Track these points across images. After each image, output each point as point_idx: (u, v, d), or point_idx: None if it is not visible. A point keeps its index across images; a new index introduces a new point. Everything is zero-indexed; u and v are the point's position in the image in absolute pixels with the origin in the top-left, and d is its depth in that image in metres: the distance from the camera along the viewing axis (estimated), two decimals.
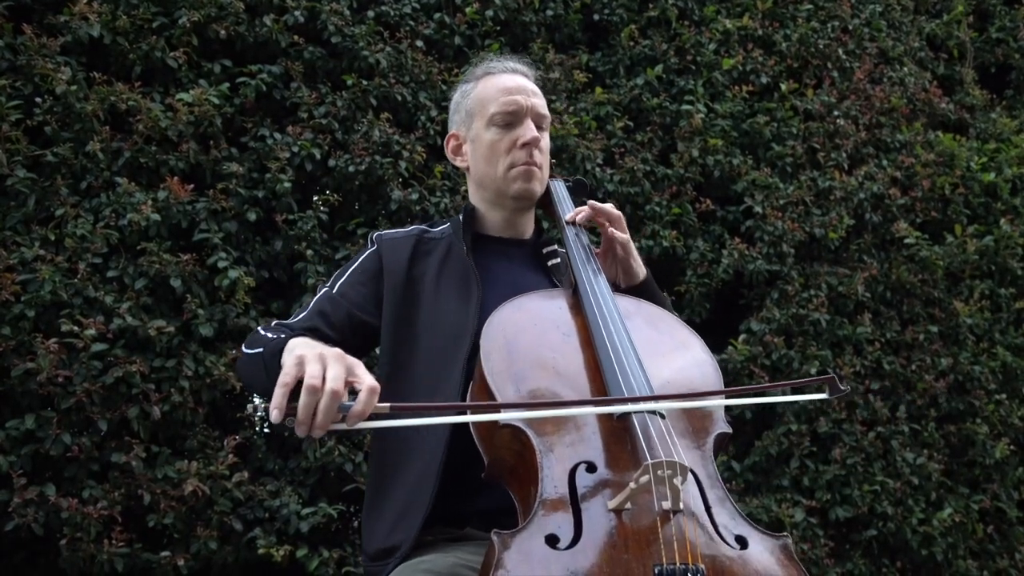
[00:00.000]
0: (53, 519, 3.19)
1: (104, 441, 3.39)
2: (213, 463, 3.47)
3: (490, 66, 2.08)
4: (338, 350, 1.48)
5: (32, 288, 3.34)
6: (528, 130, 1.96)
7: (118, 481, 3.34)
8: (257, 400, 1.45)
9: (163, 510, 3.33)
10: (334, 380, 1.39)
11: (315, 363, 1.41)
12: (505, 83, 2.01)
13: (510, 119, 1.98)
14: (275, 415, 1.37)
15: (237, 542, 3.50)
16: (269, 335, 1.79)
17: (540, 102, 2.02)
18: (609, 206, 1.96)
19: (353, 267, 1.99)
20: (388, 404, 1.41)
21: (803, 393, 1.70)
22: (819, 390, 1.62)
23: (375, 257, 1.98)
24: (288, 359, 1.44)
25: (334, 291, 1.95)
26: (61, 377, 3.27)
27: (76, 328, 3.34)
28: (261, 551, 3.46)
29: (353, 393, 1.41)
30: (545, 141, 2.02)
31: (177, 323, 3.58)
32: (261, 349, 1.73)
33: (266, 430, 3.93)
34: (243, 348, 1.84)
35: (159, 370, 3.49)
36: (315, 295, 1.97)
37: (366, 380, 1.42)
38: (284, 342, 1.61)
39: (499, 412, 1.47)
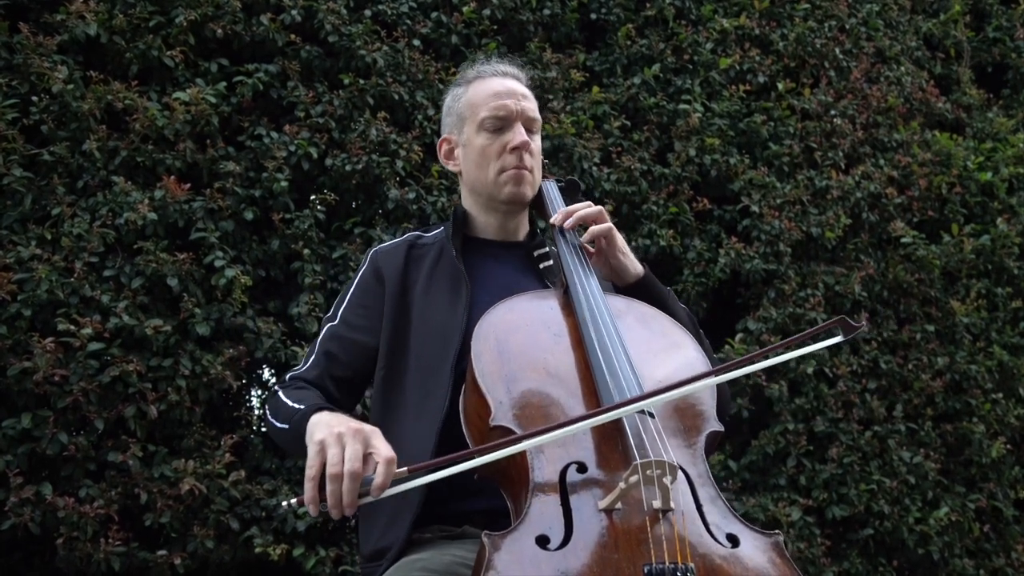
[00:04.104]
0: (50, 518, 3.19)
1: (101, 440, 3.39)
2: (210, 462, 3.48)
3: (481, 69, 2.06)
4: (355, 424, 1.52)
5: (28, 287, 3.35)
6: (518, 134, 1.95)
7: (115, 480, 3.35)
8: (286, 502, 1.50)
9: (160, 509, 3.34)
10: (351, 460, 1.44)
11: (334, 446, 1.46)
12: (495, 87, 2.00)
13: (500, 123, 1.96)
14: (312, 510, 1.44)
15: (234, 541, 3.50)
16: (290, 403, 1.78)
17: (530, 105, 2.01)
18: (583, 206, 1.92)
19: (352, 288, 1.99)
20: (406, 468, 1.44)
21: (816, 342, 1.65)
22: (831, 335, 1.58)
23: (373, 271, 1.98)
24: (311, 448, 1.50)
25: (336, 322, 1.95)
26: (57, 376, 3.28)
27: (73, 327, 3.34)
28: (258, 550, 3.47)
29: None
30: (536, 144, 2.00)
31: (174, 322, 3.58)
32: (287, 426, 1.75)
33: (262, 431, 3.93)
34: (269, 415, 1.86)
35: (156, 369, 3.49)
36: (319, 331, 1.97)
37: (383, 451, 1.46)
38: (306, 417, 1.64)
39: (518, 444, 1.43)
